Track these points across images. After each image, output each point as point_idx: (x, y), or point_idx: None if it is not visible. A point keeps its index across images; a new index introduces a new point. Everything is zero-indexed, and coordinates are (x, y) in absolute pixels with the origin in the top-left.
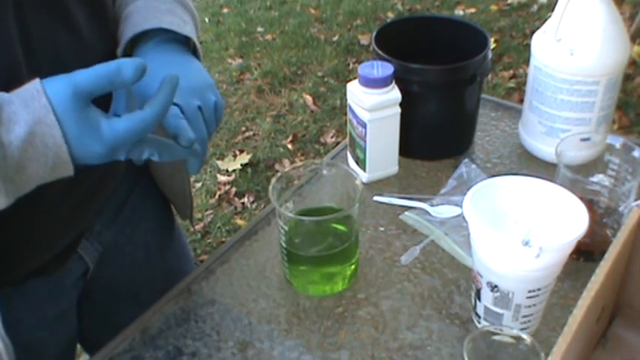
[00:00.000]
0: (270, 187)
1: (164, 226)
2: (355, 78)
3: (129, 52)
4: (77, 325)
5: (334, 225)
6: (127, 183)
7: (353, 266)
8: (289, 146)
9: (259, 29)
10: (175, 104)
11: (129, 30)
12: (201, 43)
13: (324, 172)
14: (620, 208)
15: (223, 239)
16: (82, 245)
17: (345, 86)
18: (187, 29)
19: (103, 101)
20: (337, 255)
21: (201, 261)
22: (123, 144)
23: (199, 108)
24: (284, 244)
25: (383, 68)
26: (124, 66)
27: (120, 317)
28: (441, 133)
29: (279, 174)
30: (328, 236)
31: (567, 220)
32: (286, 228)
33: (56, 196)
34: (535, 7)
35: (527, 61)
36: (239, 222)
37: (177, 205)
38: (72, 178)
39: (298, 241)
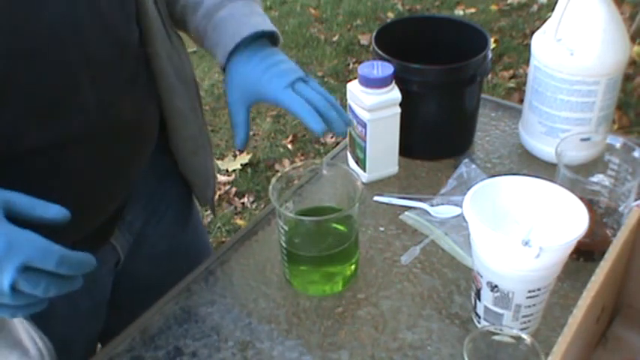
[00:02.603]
0: (270, 187)
1: (186, 216)
2: (355, 78)
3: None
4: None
5: (334, 225)
6: (156, 171)
7: (353, 266)
8: (289, 146)
9: None
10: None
11: (228, 39)
12: None
13: (324, 172)
14: (620, 208)
15: (223, 239)
16: (115, 235)
17: (345, 86)
18: (269, 23)
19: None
20: (337, 255)
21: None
22: (17, 248)
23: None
24: (284, 244)
25: (383, 68)
26: (51, 209)
27: (143, 310)
28: (441, 133)
29: (279, 174)
30: (328, 236)
31: (567, 220)
32: (286, 228)
33: (84, 162)
34: (535, 7)
35: (527, 61)
36: (239, 222)
37: (198, 188)
38: (104, 142)
39: (298, 241)
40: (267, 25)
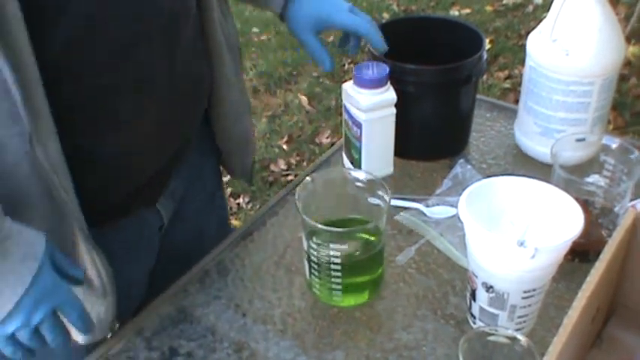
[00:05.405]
0: (296, 197)
1: (215, 195)
2: (350, 78)
3: None
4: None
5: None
6: (201, 148)
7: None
8: (284, 147)
9: (254, 30)
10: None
11: None
12: None
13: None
14: (616, 209)
15: None
16: (160, 200)
17: (340, 86)
18: None
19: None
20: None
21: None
22: (59, 290)
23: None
24: (338, 262)
25: (378, 69)
26: (75, 271)
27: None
28: (437, 134)
29: (303, 182)
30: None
31: (562, 220)
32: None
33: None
34: (530, 8)
35: (522, 62)
36: (234, 222)
37: (237, 157)
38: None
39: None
40: None
